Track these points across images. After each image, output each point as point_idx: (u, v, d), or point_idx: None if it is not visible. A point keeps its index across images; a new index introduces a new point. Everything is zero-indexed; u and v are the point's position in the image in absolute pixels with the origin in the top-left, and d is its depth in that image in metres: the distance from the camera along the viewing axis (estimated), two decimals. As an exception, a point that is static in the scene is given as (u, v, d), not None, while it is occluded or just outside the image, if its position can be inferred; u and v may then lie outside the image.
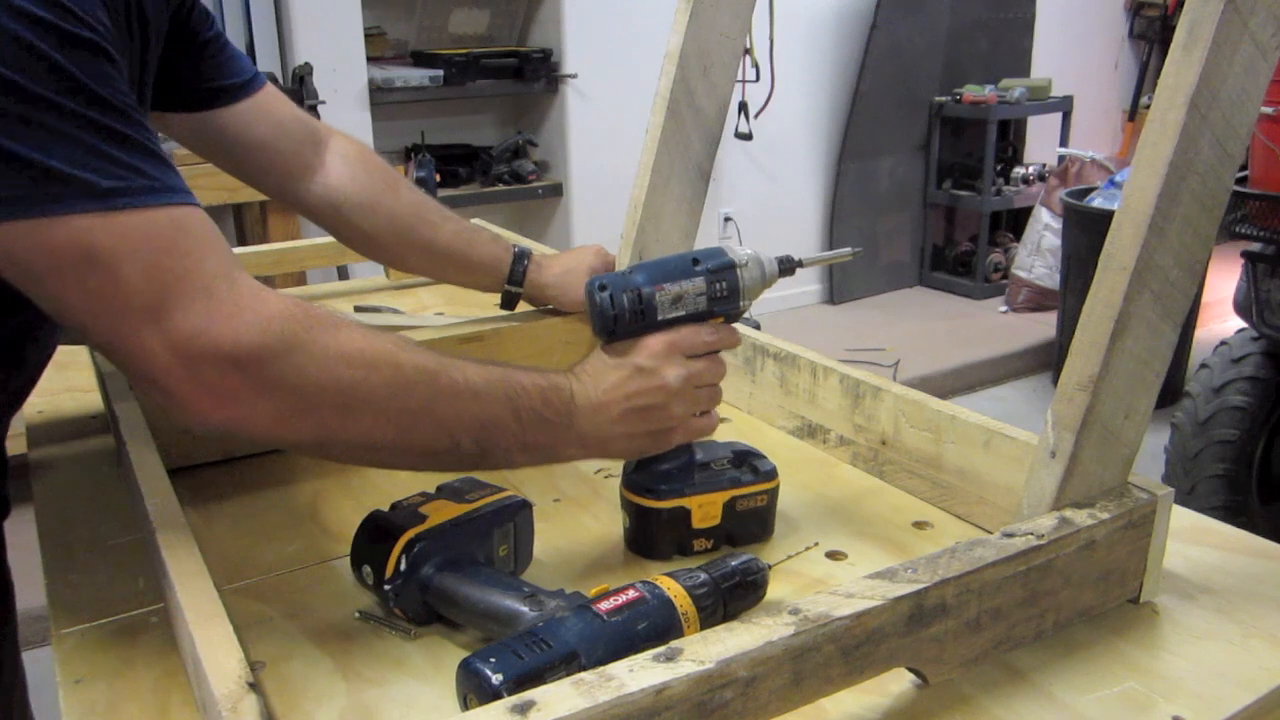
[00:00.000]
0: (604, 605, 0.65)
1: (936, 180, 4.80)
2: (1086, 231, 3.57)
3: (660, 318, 0.79)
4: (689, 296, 0.79)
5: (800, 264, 0.85)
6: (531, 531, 0.81)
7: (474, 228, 1.20)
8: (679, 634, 0.66)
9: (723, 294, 0.80)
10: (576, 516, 0.91)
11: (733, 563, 0.72)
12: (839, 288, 4.66)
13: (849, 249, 0.90)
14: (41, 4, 0.59)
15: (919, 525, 0.89)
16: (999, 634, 0.68)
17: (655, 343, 0.79)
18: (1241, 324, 2.43)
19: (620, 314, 0.78)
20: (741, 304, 0.81)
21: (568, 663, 0.61)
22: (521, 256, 1.17)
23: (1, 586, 0.91)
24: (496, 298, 1.19)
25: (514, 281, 1.17)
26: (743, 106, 3.94)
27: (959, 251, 4.89)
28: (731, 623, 0.59)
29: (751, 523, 0.84)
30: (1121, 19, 5.56)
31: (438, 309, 1.49)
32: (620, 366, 0.79)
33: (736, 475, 0.83)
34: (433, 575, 0.72)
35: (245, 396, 0.65)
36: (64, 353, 1.10)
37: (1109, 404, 0.72)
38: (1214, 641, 0.72)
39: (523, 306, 1.20)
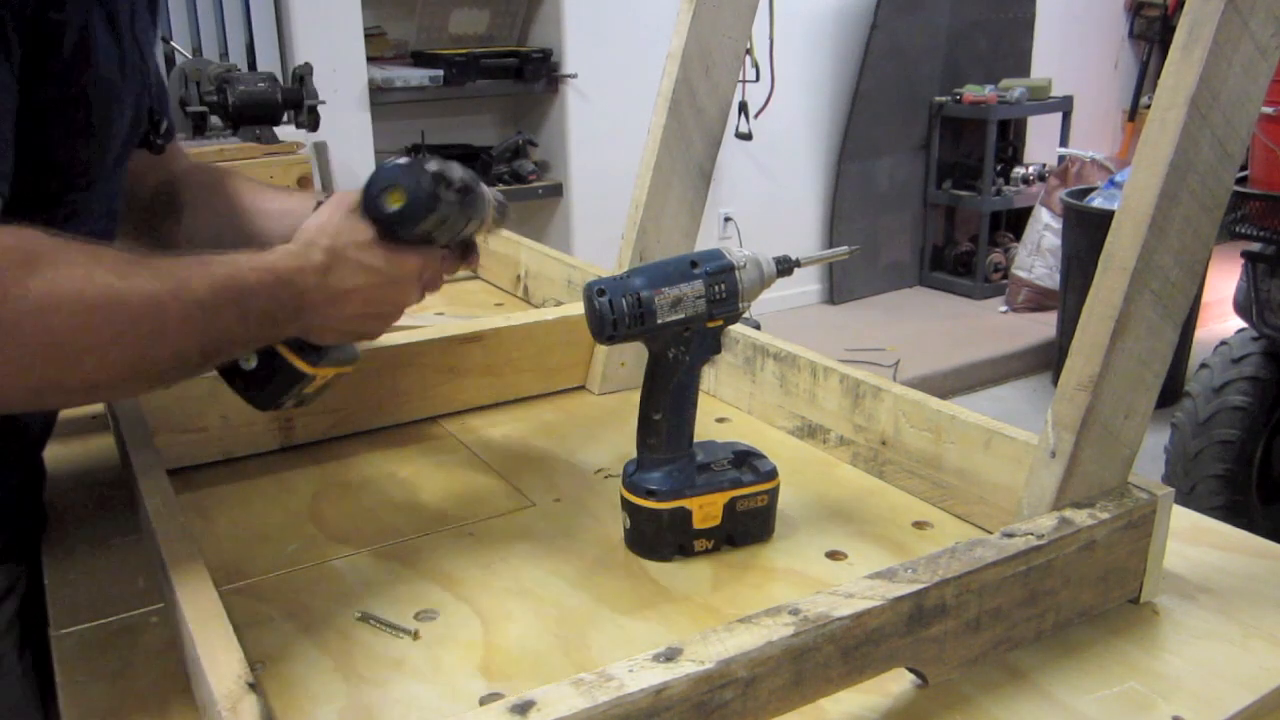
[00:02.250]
0: None
1: (936, 180, 4.80)
2: (1086, 231, 3.57)
3: (659, 321, 0.78)
4: (688, 299, 0.79)
5: (798, 264, 0.85)
6: None
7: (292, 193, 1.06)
8: None
9: (722, 296, 0.80)
10: (576, 516, 0.91)
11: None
12: (839, 288, 4.66)
13: (846, 248, 0.91)
14: None
15: (919, 525, 0.89)
16: (999, 634, 0.68)
17: (413, 262, 0.78)
18: (1241, 324, 2.43)
19: (619, 318, 0.77)
20: (740, 305, 0.81)
21: None
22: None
23: (36, 592, 0.86)
24: (497, 297, 1.17)
25: None
26: (743, 106, 3.94)
27: (959, 251, 4.89)
28: (732, 623, 0.59)
29: (752, 522, 0.84)
30: (1121, 19, 5.56)
31: (437, 309, 1.49)
32: (375, 272, 0.77)
33: (737, 475, 0.83)
34: None
35: None
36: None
37: (1109, 404, 0.72)
38: (1214, 641, 0.72)
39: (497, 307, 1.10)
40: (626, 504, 0.84)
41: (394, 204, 0.77)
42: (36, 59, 0.68)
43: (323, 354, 0.80)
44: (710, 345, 0.82)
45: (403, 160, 0.77)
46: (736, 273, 0.80)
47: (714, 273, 0.79)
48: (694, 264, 0.79)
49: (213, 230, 0.99)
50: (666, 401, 0.81)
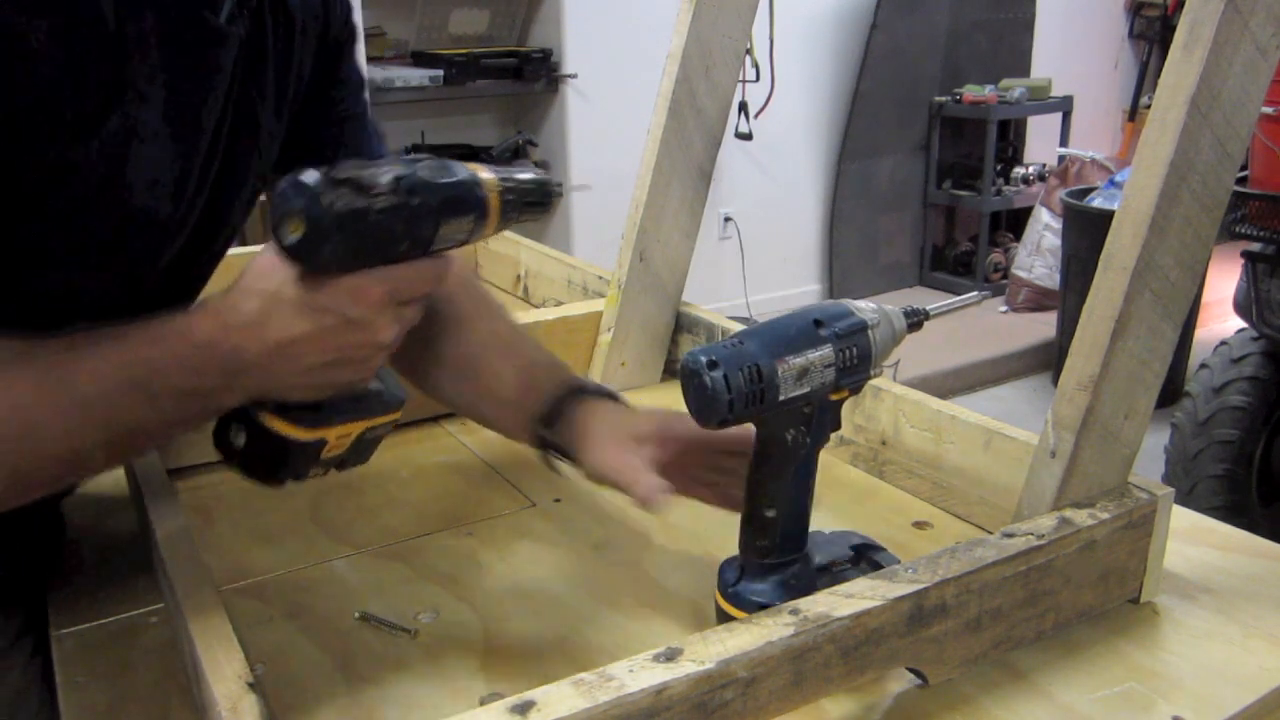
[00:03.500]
0: None
1: (936, 180, 4.80)
2: (1086, 231, 3.57)
3: (781, 398, 0.63)
4: (815, 369, 0.64)
5: (928, 316, 0.72)
6: None
7: (535, 364, 0.85)
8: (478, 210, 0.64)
9: (853, 362, 0.66)
10: (576, 517, 0.91)
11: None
12: (839, 288, 4.66)
13: (977, 294, 0.80)
14: None
15: (919, 525, 0.89)
16: (999, 634, 0.68)
17: (372, 289, 0.61)
18: (1241, 324, 2.43)
19: (735, 398, 0.62)
20: (872, 372, 0.68)
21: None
22: (577, 391, 0.80)
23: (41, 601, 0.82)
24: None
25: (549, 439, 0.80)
26: (743, 106, 3.94)
27: (959, 251, 4.89)
28: (731, 623, 0.59)
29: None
30: (1121, 19, 5.56)
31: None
32: (320, 313, 0.60)
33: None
34: None
35: None
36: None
37: (1109, 404, 0.72)
38: (1214, 641, 0.72)
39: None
40: (724, 616, 0.69)
41: (293, 233, 0.59)
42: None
43: (323, 412, 0.67)
44: (832, 421, 0.68)
45: (302, 175, 0.59)
46: (870, 332, 0.67)
47: (844, 334, 0.66)
48: (819, 323, 0.66)
49: (473, 358, 0.83)
50: (783, 495, 0.67)
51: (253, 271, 0.61)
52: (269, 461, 0.68)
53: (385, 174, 0.61)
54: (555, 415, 0.79)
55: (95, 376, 0.58)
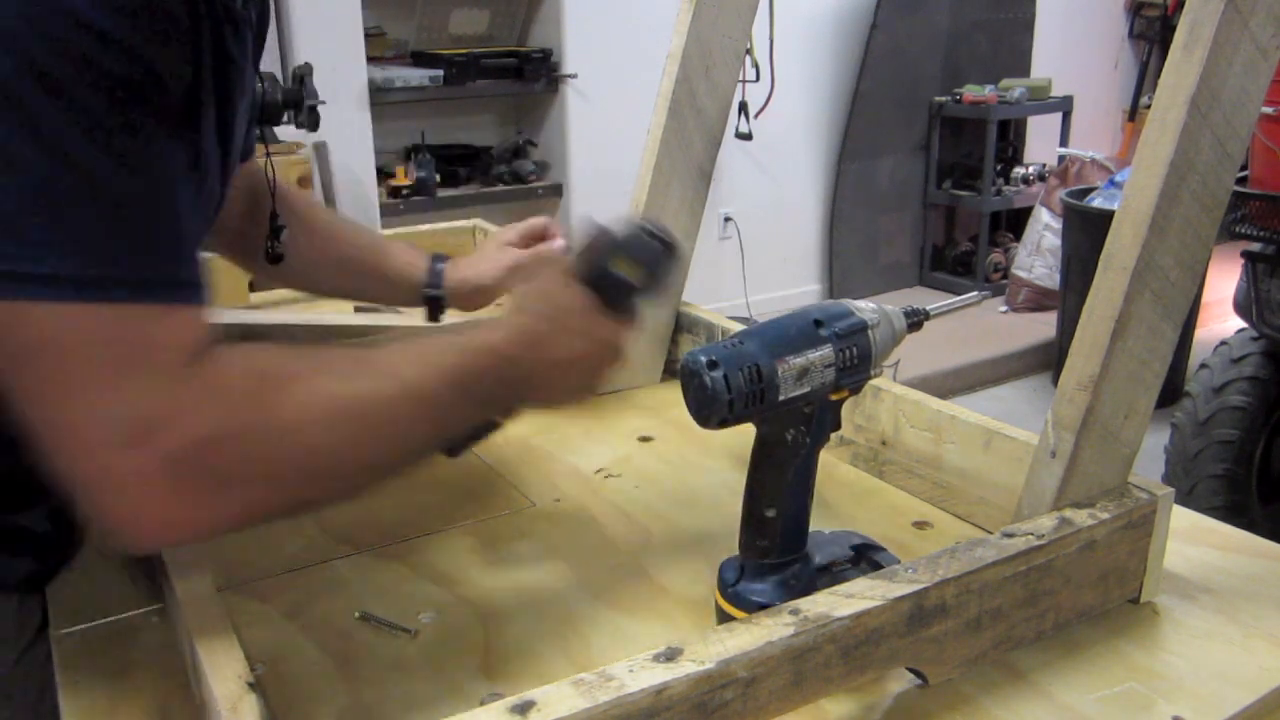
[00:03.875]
0: None
1: (936, 180, 4.80)
2: (1086, 231, 3.57)
3: (781, 398, 0.64)
4: (815, 369, 0.65)
5: (928, 316, 0.74)
6: None
7: (390, 240, 1.13)
8: None
9: (853, 362, 0.66)
10: (576, 516, 0.91)
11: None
12: (839, 288, 4.66)
13: (976, 294, 0.83)
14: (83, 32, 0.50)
15: (919, 525, 0.89)
16: (999, 634, 0.68)
17: (625, 325, 0.74)
18: (1241, 324, 2.43)
19: (736, 397, 0.62)
20: (872, 372, 0.69)
21: None
22: (436, 258, 1.10)
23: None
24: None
25: (432, 285, 1.07)
26: (743, 106, 3.94)
27: (959, 251, 4.89)
28: (731, 623, 0.59)
29: None
30: (1121, 19, 5.56)
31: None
32: (596, 341, 0.73)
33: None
34: None
35: (194, 503, 0.57)
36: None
37: (1109, 404, 0.72)
38: (1214, 641, 0.72)
39: (453, 315, 1.11)
40: (724, 616, 0.69)
41: (627, 272, 0.73)
42: None
43: None
44: (832, 421, 0.68)
45: (627, 226, 0.74)
46: (870, 332, 0.67)
47: (844, 334, 0.66)
48: (819, 323, 0.66)
49: (302, 249, 1.05)
50: (783, 495, 0.67)
51: (544, 296, 0.72)
52: (470, 441, 0.77)
53: (668, 234, 0.75)
54: (436, 275, 1.07)
55: (435, 381, 0.65)
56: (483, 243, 1.17)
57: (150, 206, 0.55)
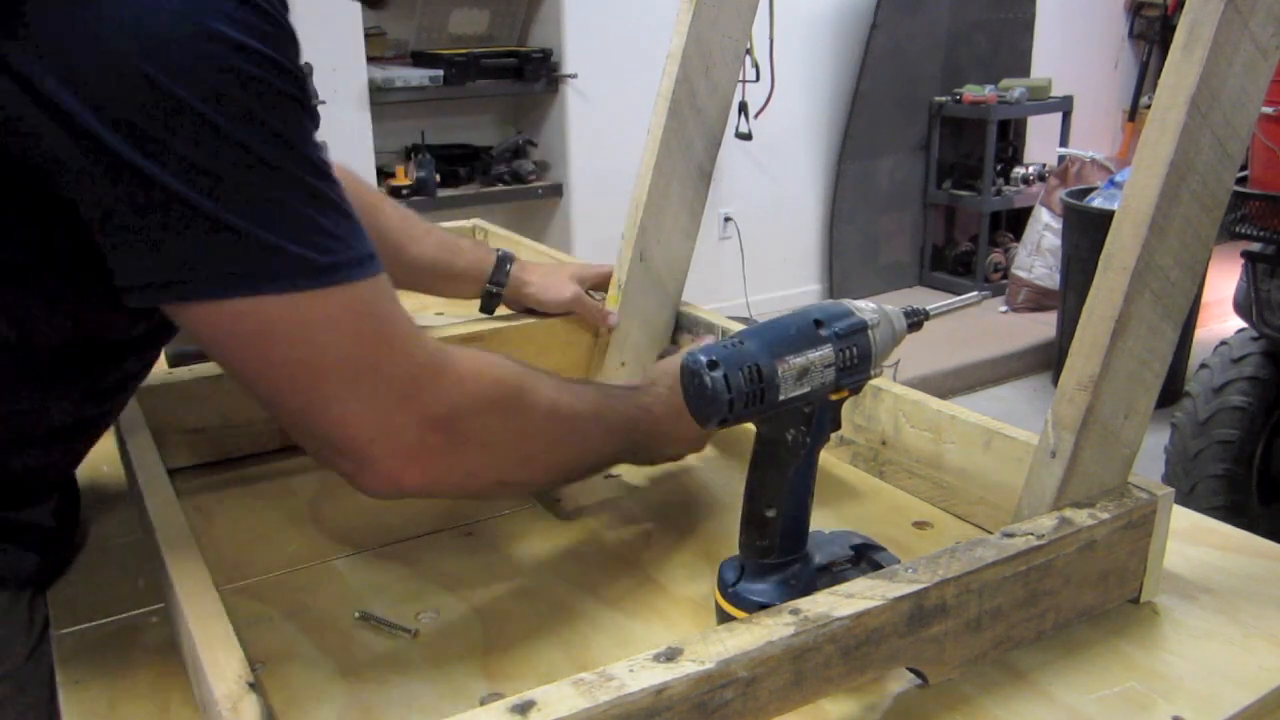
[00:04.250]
0: None
1: (936, 180, 4.80)
2: (1086, 231, 3.57)
3: (781, 398, 0.64)
4: (815, 369, 0.64)
5: (928, 316, 0.74)
6: None
7: (456, 237, 1.19)
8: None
9: (853, 362, 0.66)
10: (577, 516, 0.91)
11: None
12: (839, 288, 4.66)
13: (976, 294, 0.83)
14: (249, 56, 0.56)
15: (919, 525, 0.89)
16: (999, 634, 0.68)
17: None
18: (1241, 324, 2.43)
19: (736, 397, 0.62)
20: (872, 372, 0.68)
21: None
22: (505, 259, 1.17)
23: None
24: None
25: (496, 281, 1.16)
26: (743, 106, 3.94)
27: (959, 251, 4.89)
28: (731, 623, 0.59)
29: None
30: (1121, 19, 5.56)
31: (437, 309, 1.49)
32: (694, 427, 0.78)
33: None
34: None
35: (443, 457, 0.66)
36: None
37: (1109, 404, 0.72)
38: (1214, 641, 0.72)
39: (501, 310, 1.19)
40: (724, 616, 0.69)
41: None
42: None
43: None
44: (832, 421, 0.68)
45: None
46: (870, 332, 0.67)
47: (844, 334, 0.66)
48: (819, 323, 0.66)
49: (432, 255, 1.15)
50: (783, 495, 0.67)
51: (672, 373, 0.82)
52: None
53: None
54: (502, 275, 1.16)
55: (616, 417, 0.81)
56: (559, 266, 1.22)
57: (343, 201, 0.62)
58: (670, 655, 0.55)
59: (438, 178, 3.58)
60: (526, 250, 1.55)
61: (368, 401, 0.63)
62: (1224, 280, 2.89)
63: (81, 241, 0.61)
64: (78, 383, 0.73)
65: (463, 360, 0.68)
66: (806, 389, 0.65)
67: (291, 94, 0.58)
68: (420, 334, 0.66)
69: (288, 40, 0.58)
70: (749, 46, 3.48)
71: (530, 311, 1.18)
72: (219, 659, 0.58)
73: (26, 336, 0.67)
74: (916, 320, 0.72)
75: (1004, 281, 4.64)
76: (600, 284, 1.18)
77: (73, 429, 0.77)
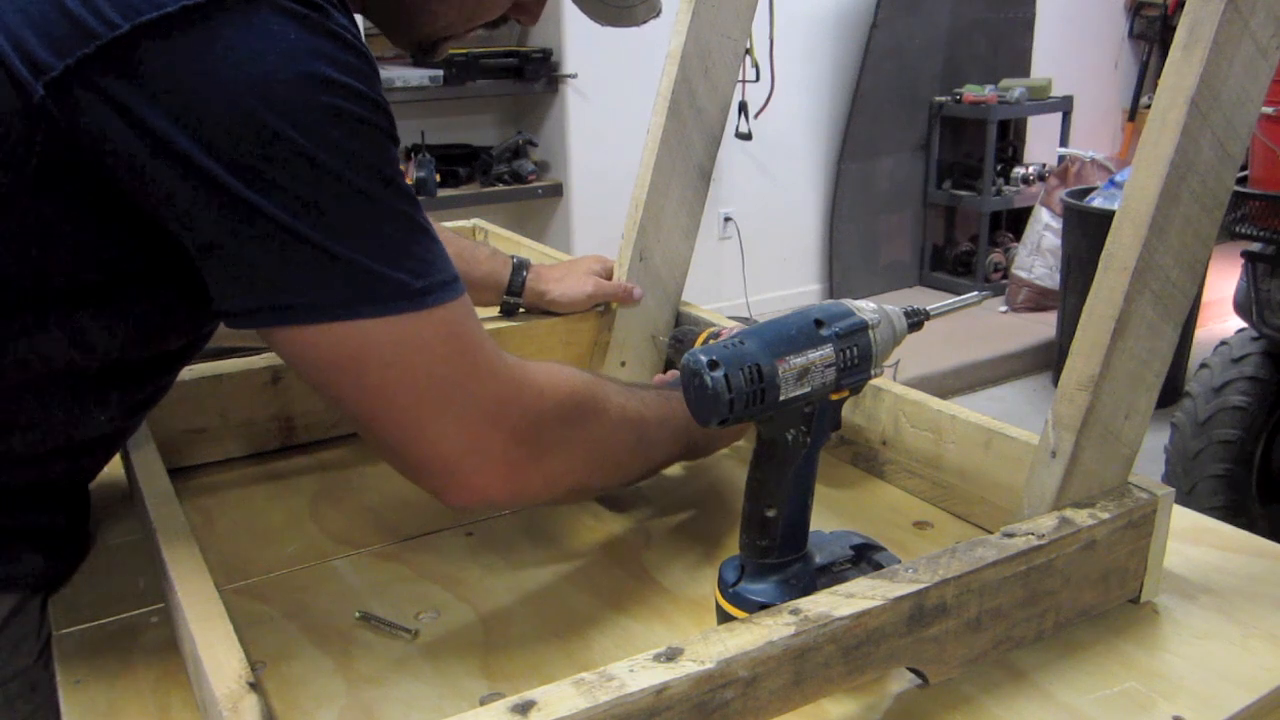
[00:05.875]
0: None
1: (936, 180, 4.80)
2: (1086, 231, 3.57)
3: (781, 398, 0.63)
4: (816, 369, 0.64)
5: (928, 316, 0.73)
6: None
7: (472, 244, 1.19)
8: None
9: (853, 362, 0.66)
10: (577, 517, 0.91)
11: None
12: (839, 288, 4.66)
13: (976, 294, 0.82)
14: (346, 94, 0.59)
15: (919, 525, 0.89)
16: (999, 634, 0.68)
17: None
18: (1241, 324, 2.43)
19: (736, 398, 0.62)
20: (873, 372, 0.68)
21: None
22: (520, 267, 1.17)
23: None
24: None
25: (512, 291, 1.16)
26: (743, 106, 3.94)
27: (959, 251, 4.89)
28: (732, 623, 0.59)
29: None
30: (1121, 19, 5.56)
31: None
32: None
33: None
34: None
35: (526, 468, 0.69)
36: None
37: (1109, 404, 0.72)
38: (1214, 641, 0.72)
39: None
40: (724, 616, 0.69)
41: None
42: None
43: None
44: (832, 421, 0.68)
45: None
46: (870, 332, 0.67)
47: (844, 334, 0.66)
48: (819, 323, 0.66)
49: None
50: (784, 495, 0.67)
51: None
52: None
53: None
54: (518, 285, 1.16)
55: (664, 416, 0.82)
56: (573, 263, 1.22)
57: (429, 226, 0.65)
58: (670, 655, 0.55)
59: (438, 177, 3.58)
60: (526, 251, 1.55)
61: (459, 420, 0.65)
62: (1224, 280, 2.89)
63: (153, 263, 0.64)
64: (120, 396, 0.75)
65: (540, 373, 0.71)
66: (807, 389, 0.64)
67: (383, 127, 0.62)
68: (500, 350, 0.68)
69: (375, 76, 0.62)
70: (749, 46, 3.47)
71: (546, 312, 1.18)
72: (219, 659, 0.58)
73: (88, 354, 0.69)
74: (917, 320, 0.72)
75: (1004, 281, 4.64)
76: (611, 274, 1.19)
77: (108, 439, 0.79)
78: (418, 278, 0.63)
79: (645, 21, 0.91)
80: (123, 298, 0.68)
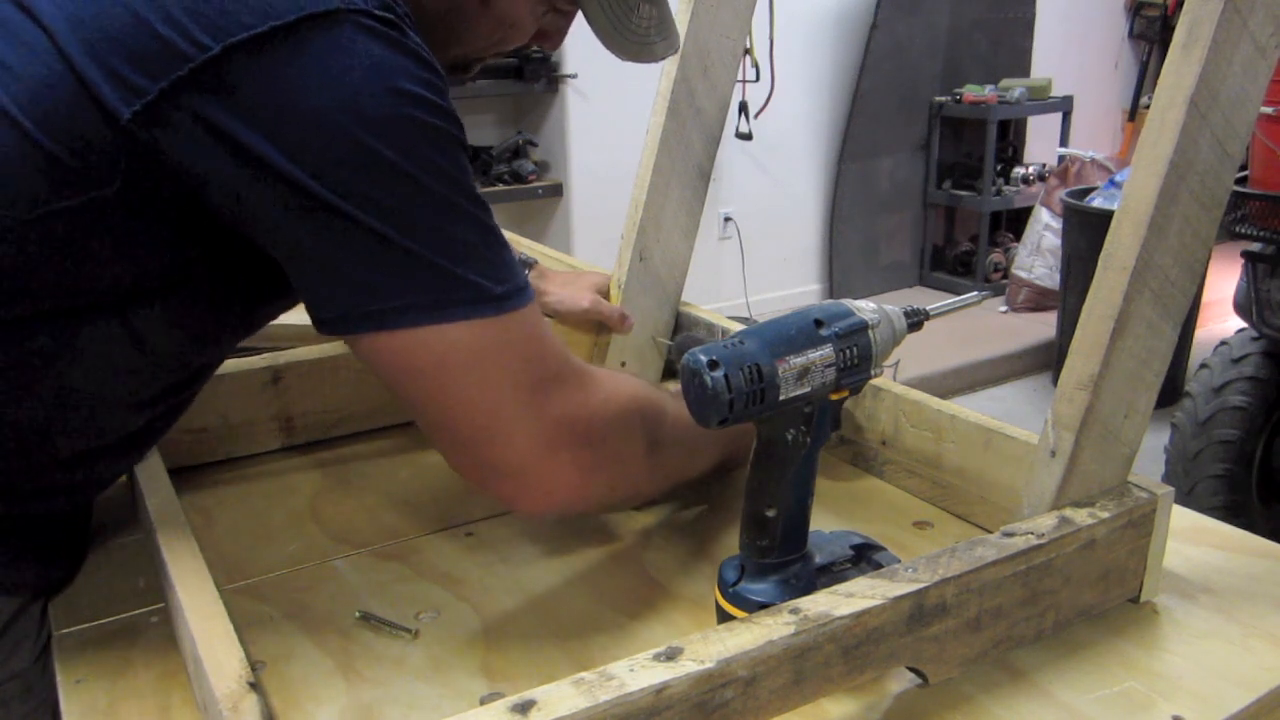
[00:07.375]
0: None
1: (936, 180, 4.80)
2: (1086, 231, 3.57)
3: (781, 398, 0.63)
4: (816, 369, 0.64)
5: (928, 316, 0.73)
6: None
7: None
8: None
9: (853, 362, 0.66)
10: (576, 516, 0.91)
11: None
12: (839, 288, 4.66)
13: (976, 294, 0.81)
14: (426, 107, 0.62)
15: (919, 525, 0.89)
16: (999, 633, 0.68)
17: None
18: (1241, 324, 2.43)
19: (736, 398, 0.62)
20: (872, 372, 0.68)
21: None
22: (524, 264, 1.17)
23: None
24: None
25: None
26: (743, 106, 3.94)
27: (959, 251, 4.89)
28: (732, 622, 0.59)
29: None
30: (1121, 19, 5.56)
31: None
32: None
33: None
34: None
35: (591, 474, 0.70)
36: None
37: (1109, 404, 0.72)
38: (1214, 641, 0.72)
39: None
40: (724, 616, 0.69)
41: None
42: None
43: None
44: (832, 421, 0.68)
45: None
46: (870, 332, 0.67)
47: (844, 334, 0.66)
48: (819, 323, 0.66)
49: None
50: (783, 495, 0.67)
51: None
52: None
53: None
54: None
55: (719, 433, 0.76)
56: (579, 275, 1.21)
57: (500, 232, 0.67)
58: (670, 655, 0.55)
59: (438, 178, 3.58)
60: (526, 250, 1.55)
61: (533, 425, 0.67)
62: (1224, 280, 2.89)
63: (217, 270, 0.67)
64: (165, 400, 0.77)
65: (603, 380, 0.73)
66: (807, 389, 0.64)
67: (457, 136, 0.64)
68: (568, 354, 0.70)
69: (447, 89, 0.65)
70: (748, 46, 3.47)
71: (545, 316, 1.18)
72: (219, 659, 0.58)
73: (146, 355, 0.70)
74: (917, 320, 0.72)
75: (1004, 281, 4.64)
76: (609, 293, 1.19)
77: (143, 441, 0.81)
78: (497, 283, 0.64)
79: (664, 58, 0.91)
80: (184, 301, 0.69)
